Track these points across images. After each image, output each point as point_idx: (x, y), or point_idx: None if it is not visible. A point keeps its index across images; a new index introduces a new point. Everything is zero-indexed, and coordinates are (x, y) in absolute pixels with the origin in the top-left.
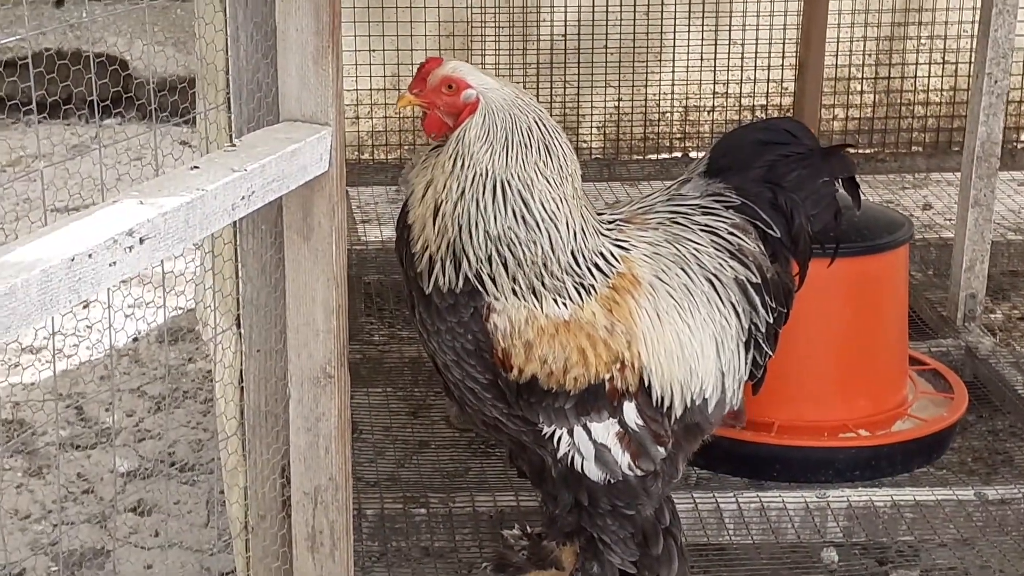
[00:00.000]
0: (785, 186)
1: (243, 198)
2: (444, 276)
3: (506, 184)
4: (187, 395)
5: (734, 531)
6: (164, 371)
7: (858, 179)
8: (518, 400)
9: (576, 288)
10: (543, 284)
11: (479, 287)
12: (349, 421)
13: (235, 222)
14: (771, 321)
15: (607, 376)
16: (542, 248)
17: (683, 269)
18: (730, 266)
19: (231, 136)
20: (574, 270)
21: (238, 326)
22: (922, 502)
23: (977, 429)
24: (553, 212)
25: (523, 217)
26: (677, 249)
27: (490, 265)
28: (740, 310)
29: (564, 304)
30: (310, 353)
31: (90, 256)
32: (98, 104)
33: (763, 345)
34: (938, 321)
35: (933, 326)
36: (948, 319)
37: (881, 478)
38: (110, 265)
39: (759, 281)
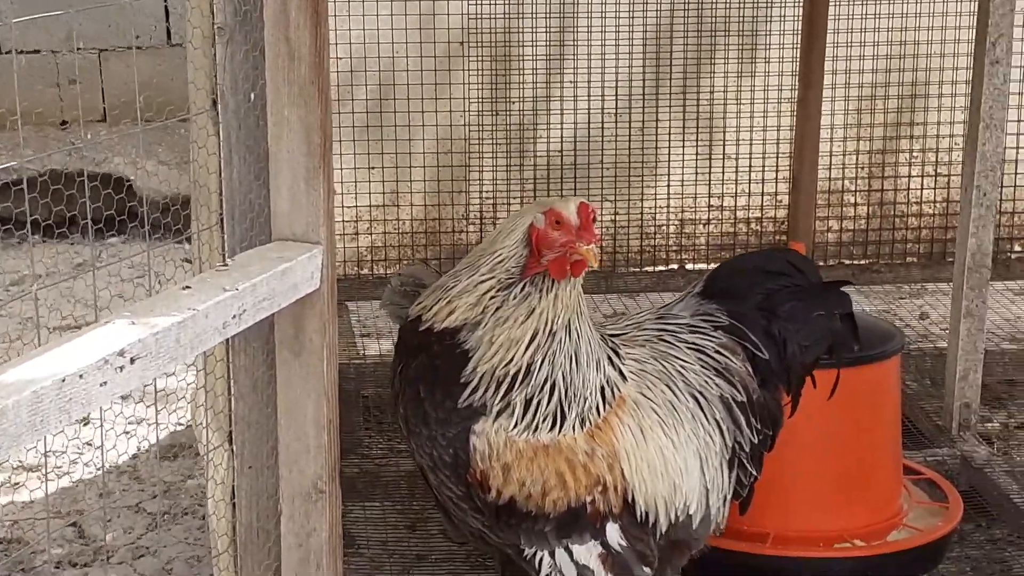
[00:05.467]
0: (780, 315)
1: (234, 317)
2: (493, 395)
3: (577, 328)
4: (185, 511)
5: None
6: (162, 487)
7: (855, 316)
8: (497, 521)
9: (579, 420)
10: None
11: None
12: (341, 536)
13: (227, 340)
14: (755, 442)
15: (588, 499)
16: (581, 382)
17: (668, 386)
18: (715, 384)
19: (224, 255)
20: (586, 401)
21: (230, 442)
22: None
23: (975, 538)
24: (588, 352)
25: (576, 359)
26: (663, 366)
27: (542, 391)
28: (724, 428)
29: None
30: (301, 469)
31: (81, 377)
32: (89, 224)
33: (747, 465)
34: (933, 430)
35: (929, 435)
36: (943, 428)
37: None
38: (101, 385)
39: (744, 400)
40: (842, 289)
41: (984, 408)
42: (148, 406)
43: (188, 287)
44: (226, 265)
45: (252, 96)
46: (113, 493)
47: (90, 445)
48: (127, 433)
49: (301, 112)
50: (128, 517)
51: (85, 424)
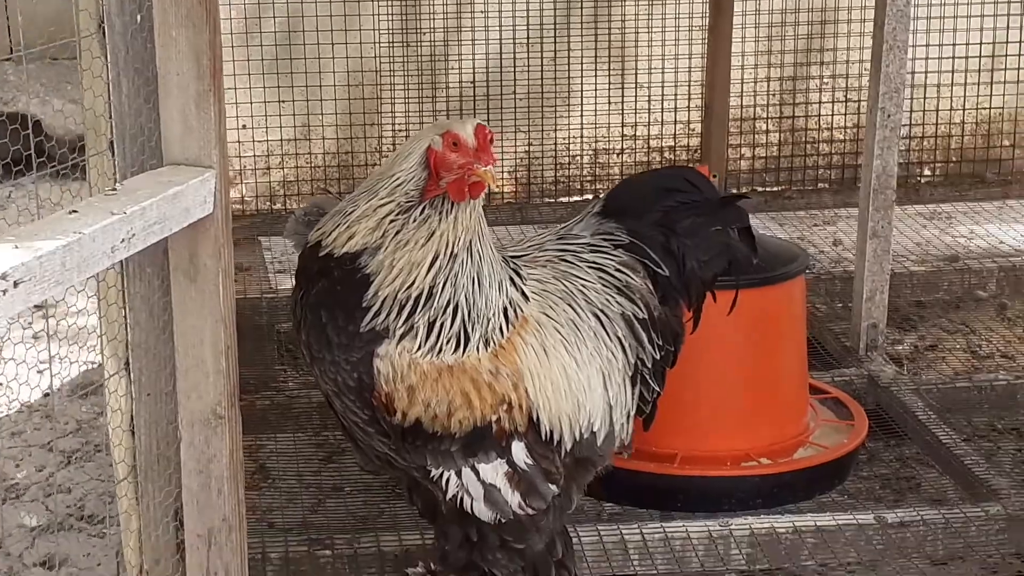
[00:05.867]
0: (678, 231)
1: (123, 241)
2: (395, 318)
3: (479, 250)
4: (98, 448)
5: (639, 562)
6: (75, 426)
7: (753, 230)
8: (403, 443)
9: (483, 341)
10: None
11: (389, 333)
12: (242, 462)
13: (121, 265)
14: (657, 358)
15: (494, 418)
16: (484, 303)
17: (570, 305)
18: (617, 302)
19: (115, 180)
20: (489, 322)
21: (127, 369)
22: (823, 528)
23: (884, 456)
24: (490, 274)
25: (478, 280)
26: (565, 286)
27: (444, 313)
28: (627, 345)
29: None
30: (200, 395)
31: None
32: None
33: (650, 381)
34: (841, 351)
35: (837, 356)
36: (851, 349)
37: (784, 505)
38: None
39: (646, 317)
40: (739, 204)
41: (895, 331)
42: (66, 344)
43: (75, 211)
44: (115, 190)
45: (139, 18)
46: (24, 432)
47: (1, 385)
48: (40, 372)
49: (189, 33)
50: (40, 455)
51: None
